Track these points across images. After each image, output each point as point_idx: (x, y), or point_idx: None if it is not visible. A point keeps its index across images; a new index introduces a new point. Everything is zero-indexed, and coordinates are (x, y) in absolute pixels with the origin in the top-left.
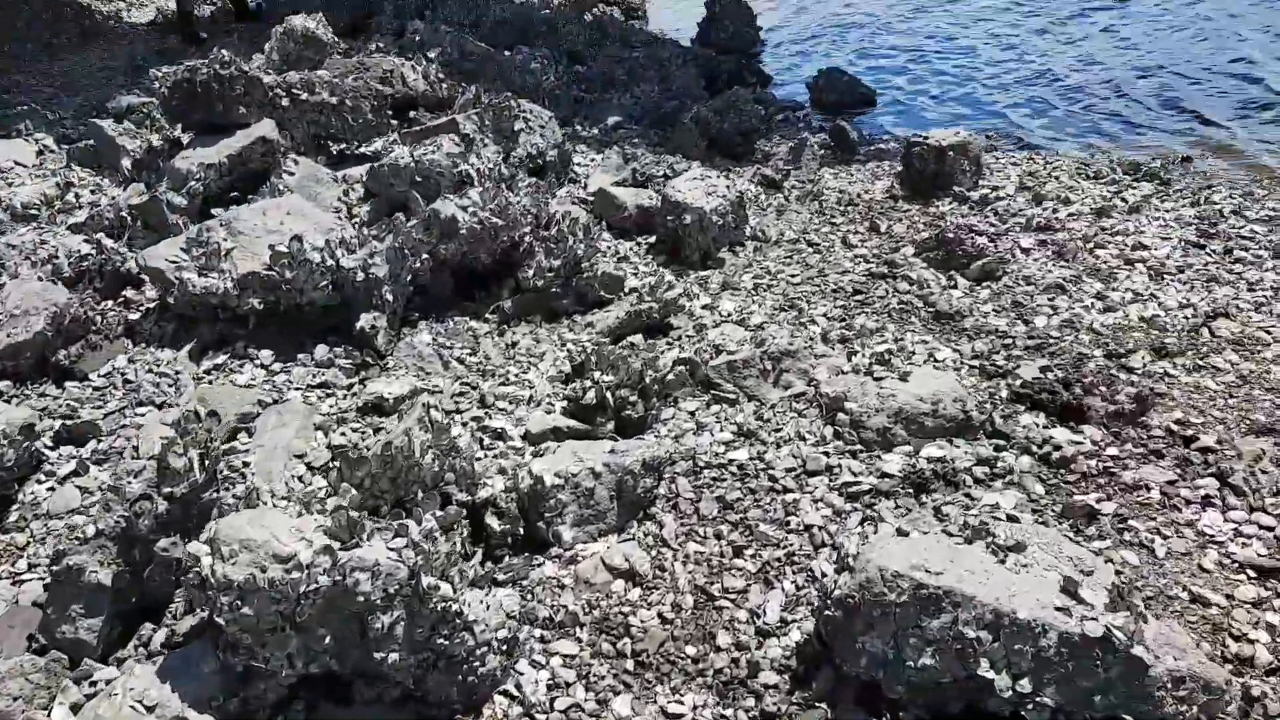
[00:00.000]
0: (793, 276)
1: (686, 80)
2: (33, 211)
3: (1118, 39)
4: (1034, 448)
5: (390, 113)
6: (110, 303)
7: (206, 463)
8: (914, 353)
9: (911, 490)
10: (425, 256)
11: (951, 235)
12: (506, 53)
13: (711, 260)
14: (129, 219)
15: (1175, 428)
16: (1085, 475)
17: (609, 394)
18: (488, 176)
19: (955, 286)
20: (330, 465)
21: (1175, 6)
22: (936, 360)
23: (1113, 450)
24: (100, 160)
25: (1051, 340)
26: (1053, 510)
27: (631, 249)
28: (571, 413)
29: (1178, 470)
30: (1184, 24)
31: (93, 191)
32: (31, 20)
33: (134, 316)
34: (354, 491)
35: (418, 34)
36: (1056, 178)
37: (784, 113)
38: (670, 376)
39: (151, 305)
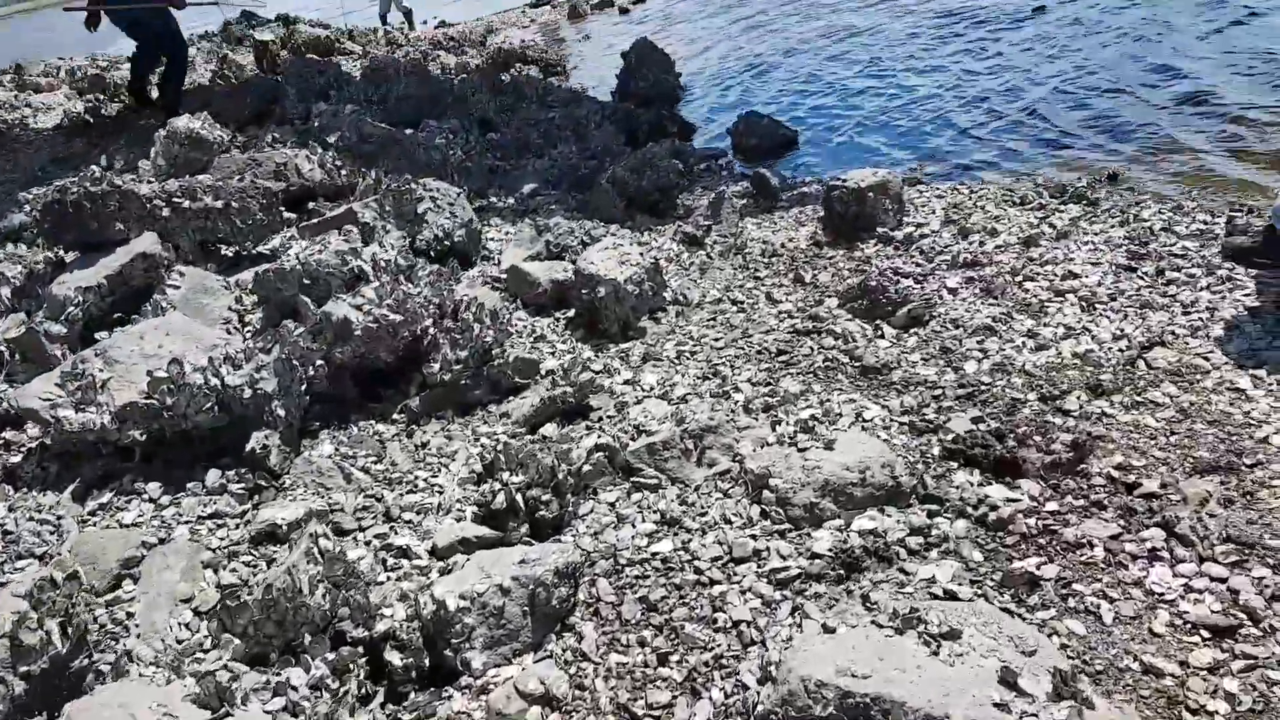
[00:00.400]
0: (716, 340)
1: (605, 138)
2: None
3: (1035, 54)
4: (969, 509)
5: (283, 209)
6: None
7: (70, 630)
8: (841, 414)
9: (843, 570)
10: (320, 363)
11: (874, 283)
12: (409, 130)
13: (632, 330)
14: (6, 353)
15: (1116, 474)
16: (1025, 536)
17: (519, 495)
18: (384, 269)
19: (882, 336)
20: (217, 608)
21: (1087, 16)
22: (865, 420)
23: (1052, 505)
24: None
25: (983, 387)
26: (992, 579)
27: (549, 325)
28: (482, 518)
29: (1121, 522)
30: (1098, 30)
31: None
32: None
33: (15, 459)
34: (237, 641)
35: (318, 118)
36: (982, 207)
37: (707, 161)
38: (587, 467)
39: (33, 445)
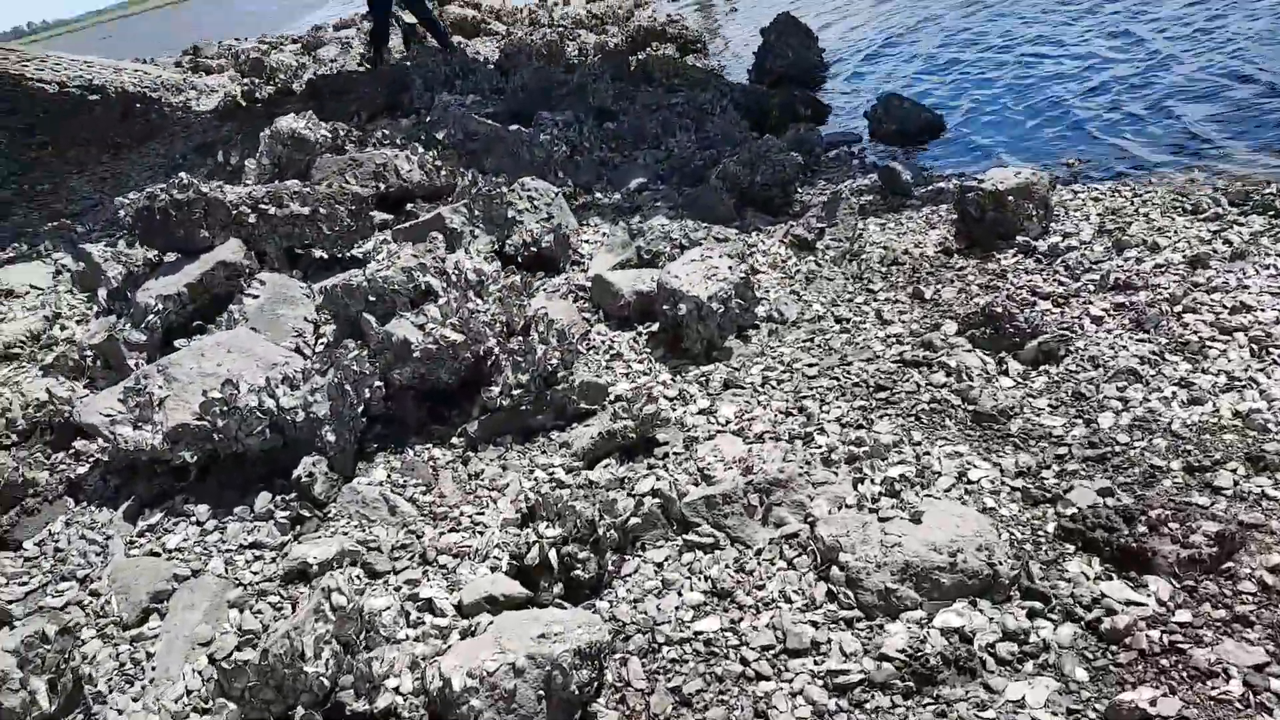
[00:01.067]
0: (809, 367)
1: (725, 125)
2: (15, 350)
3: (1212, 37)
4: (1079, 610)
5: (374, 213)
6: (63, 454)
7: (60, 687)
8: (940, 473)
9: (914, 681)
10: (378, 384)
11: (1000, 309)
12: (515, 127)
13: (717, 351)
14: (91, 360)
15: (1271, 579)
16: (1143, 654)
17: (554, 551)
18: (454, 284)
19: (1005, 373)
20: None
21: None
22: (969, 482)
23: (1184, 615)
24: (94, 286)
25: (1117, 448)
26: (1095, 709)
27: (629, 341)
28: (516, 571)
29: (1271, 647)
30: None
31: (79, 323)
32: (98, 120)
33: (82, 470)
34: (232, 707)
35: (432, 112)
36: (1145, 215)
37: (837, 148)
38: (635, 520)
39: (98, 458)
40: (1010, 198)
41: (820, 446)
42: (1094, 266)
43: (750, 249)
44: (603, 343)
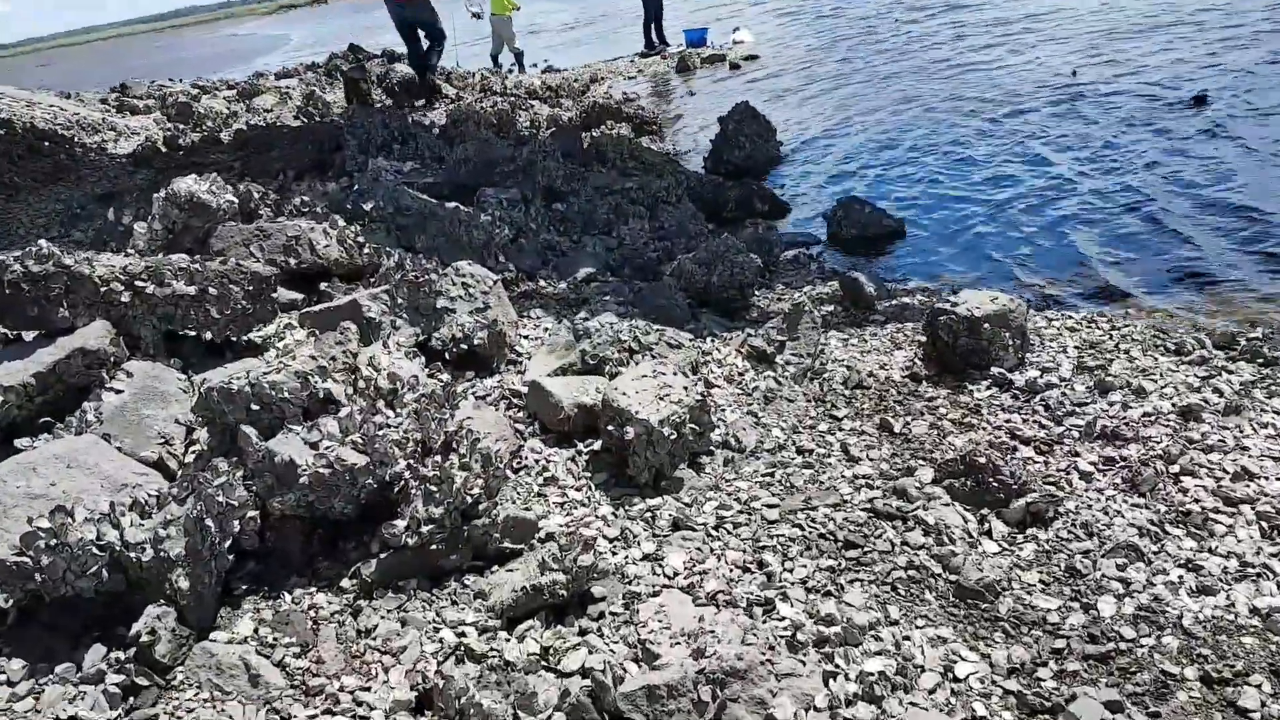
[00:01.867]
0: (769, 508)
1: (681, 216)
2: None
3: (1195, 156)
4: None
5: (280, 292)
6: None
7: None
8: (924, 667)
9: None
10: (252, 515)
11: (982, 460)
12: (452, 204)
13: (666, 481)
14: None
15: None
16: None
17: None
18: (362, 392)
19: (989, 534)
20: None
21: (1255, 112)
22: (956, 679)
23: None
24: None
25: (1122, 644)
26: None
27: (567, 463)
28: None
29: None
30: (1267, 131)
31: None
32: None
33: None
34: None
35: (359, 182)
36: (1126, 351)
37: (796, 249)
38: (560, 716)
39: None
40: (986, 325)
41: (784, 620)
42: (1077, 410)
43: (705, 358)
44: (536, 462)
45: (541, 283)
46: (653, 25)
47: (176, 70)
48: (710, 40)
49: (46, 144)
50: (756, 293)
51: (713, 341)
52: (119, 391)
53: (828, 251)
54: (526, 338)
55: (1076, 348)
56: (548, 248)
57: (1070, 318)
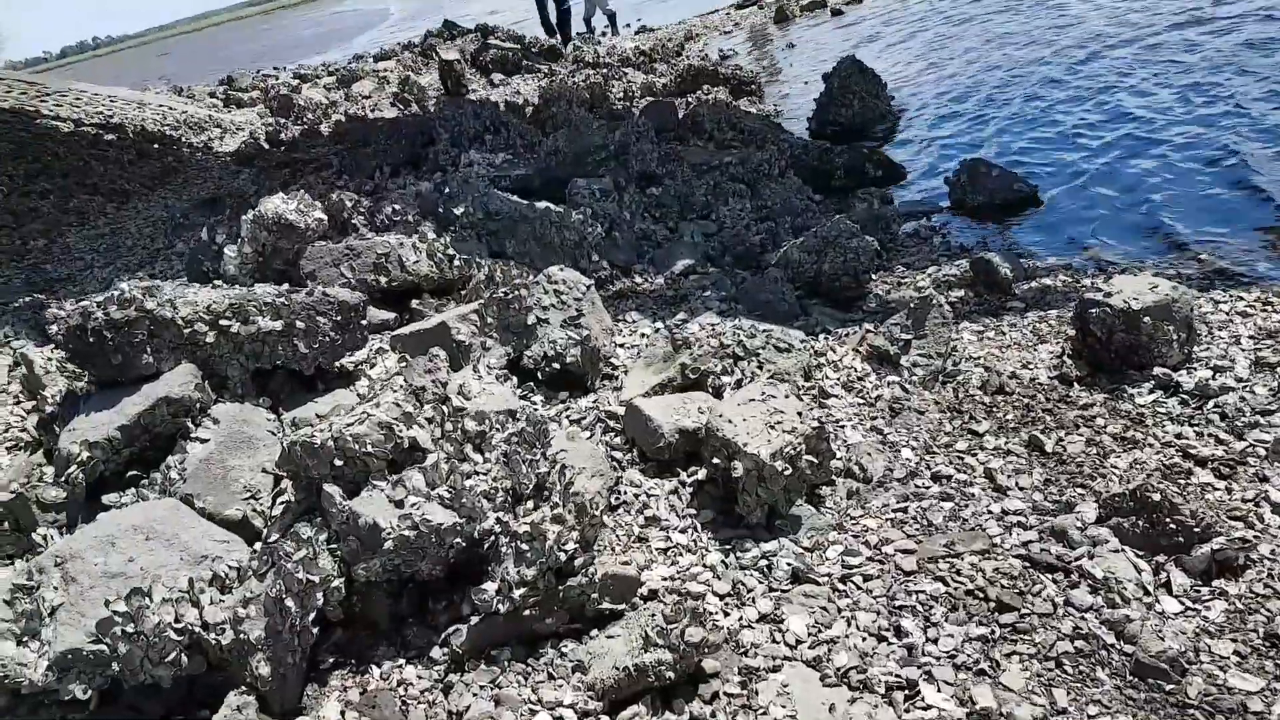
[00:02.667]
0: (904, 554)
1: (785, 193)
2: None
3: None
4: None
5: (371, 313)
6: None
7: None
8: None
9: None
10: (336, 584)
11: (1156, 497)
12: (541, 204)
13: (781, 519)
14: None
15: None
16: None
17: None
18: (448, 436)
19: (1168, 587)
20: None
21: None
22: None
23: None
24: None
25: None
26: None
27: (668, 498)
28: None
29: None
30: None
31: (9, 449)
32: (110, 162)
33: None
34: None
35: (450, 182)
36: None
37: (916, 221)
38: None
39: None
40: (1146, 319)
41: (930, 710)
42: (1262, 419)
43: (818, 360)
44: (636, 497)
45: (637, 279)
46: None
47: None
48: None
49: (155, 146)
50: (873, 277)
51: (826, 340)
52: (204, 441)
53: (952, 222)
54: (623, 346)
55: (1251, 337)
56: (643, 238)
57: (1241, 298)
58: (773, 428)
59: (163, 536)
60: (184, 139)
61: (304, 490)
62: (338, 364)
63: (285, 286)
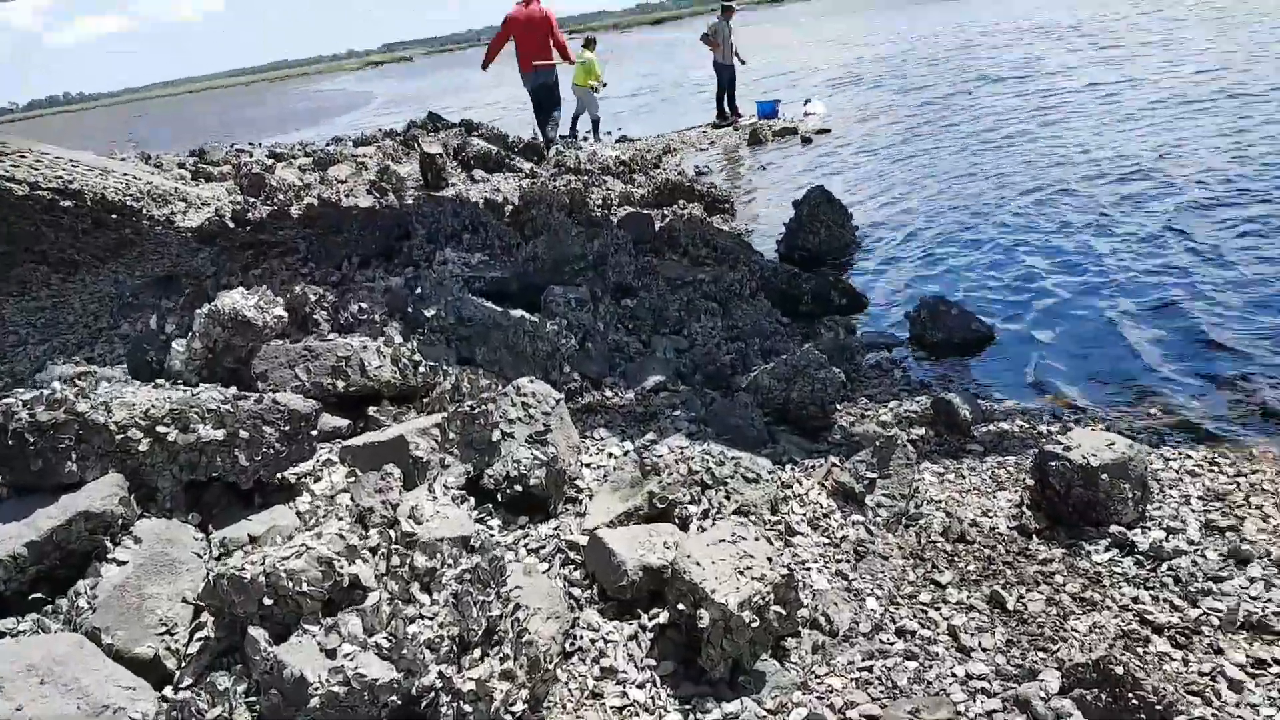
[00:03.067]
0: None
1: (756, 314)
2: None
3: None
4: None
5: (322, 419)
6: None
7: None
8: None
9: None
10: None
11: (1118, 670)
12: (516, 312)
13: (745, 675)
14: None
15: None
16: None
17: None
18: (393, 572)
19: None
20: None
21: None
22: None
23: None
24: None
25: None
26: None
27: (627, 644)
28: None
29: None
30: None
31: None
32: (63, 230)
33: None
34: None
35: (422, 283)
36: (1258, 508)
37: (878, 353)
38: None
39: None
40: (1104, 475)
41: None
42: (1213, 586)
43: (785, 493)
44: (593, 643)
45: (608, 393)
46: (725, 95)
47: (260, 127)
48: (782, 112)
49: (114, 216)
50: (839, 408)
51: (793, 470)
52: (122, 564)
53: (912, 356)
54: (589, 466)
55: (1200, 498)
56: (616, 350)
57: (1189, 457)
58: (742, 573)
59: (60, 680)
60: (145, 210)
61: (226, 628)
62: (279, 476)
63: (233, 390)
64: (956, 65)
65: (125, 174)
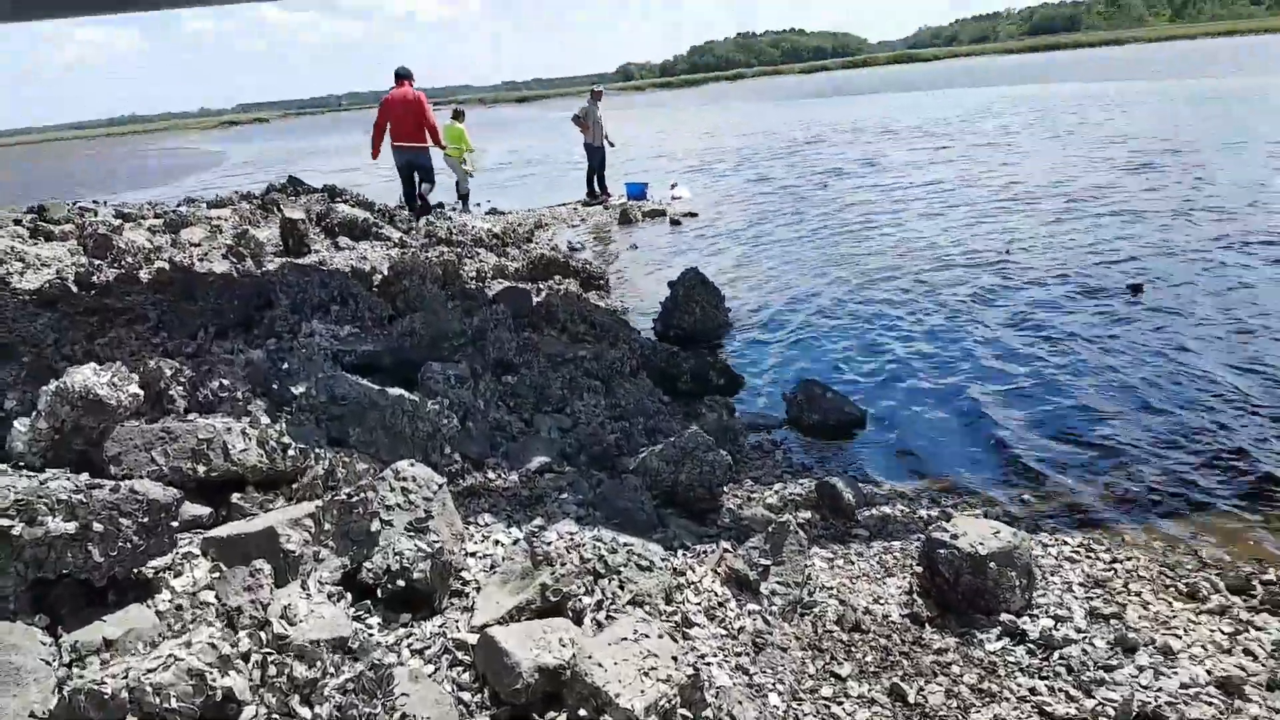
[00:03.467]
0: None
1: (638, 393)
2: None
3: (1151, 348)
4: None
5: (182, 510)
6: None
7: None
8: None
9: None
10: None
11: None
12: (395, 391)
13: None
14: None
15: None
16: None
17: None
18: (271, 684)
19: None
20: None
21: (1188, 306)
22: None
23: None
24: None
25: None
26: None
27: None
28: None
29: None
30: (1204, 326)
31: None
32: None
33: None
34: None
35: (291, 356)
36: (1137, 594)
37: (758, 434)
38: None
39: None
40: (992, 564)
41: None
42: (1106, 677)
43: (679, 579)
44: None
45: (490, 474)
46: (595, 175)
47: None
48: (650, 195)
49: None
50: (725, 488)
51: (684, 556)
52: None
53: (790, 438)
54: (474, 555)
55: (1082, 584)
56: (497, 428)
57: (1066, 543)
58: (646, 674)
59: None
60: None
61: None
62: (135, 571)
63: (84, 478)
64: (809, 158)
65: None
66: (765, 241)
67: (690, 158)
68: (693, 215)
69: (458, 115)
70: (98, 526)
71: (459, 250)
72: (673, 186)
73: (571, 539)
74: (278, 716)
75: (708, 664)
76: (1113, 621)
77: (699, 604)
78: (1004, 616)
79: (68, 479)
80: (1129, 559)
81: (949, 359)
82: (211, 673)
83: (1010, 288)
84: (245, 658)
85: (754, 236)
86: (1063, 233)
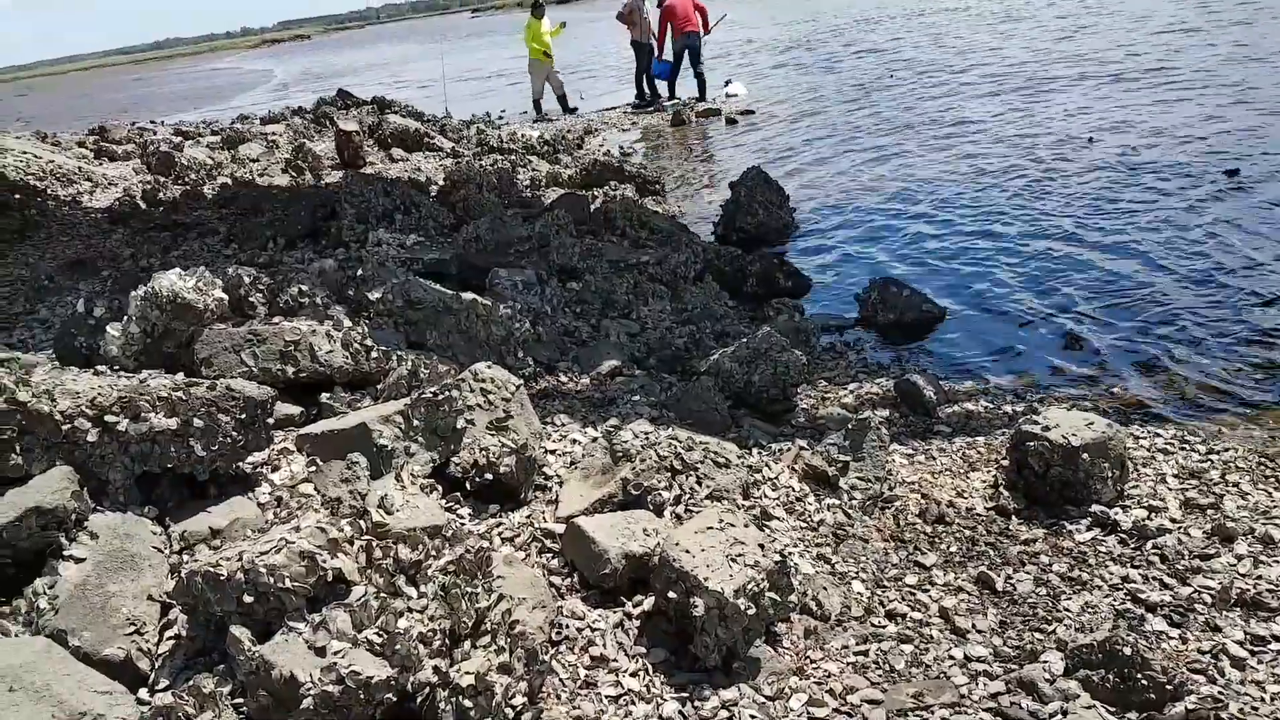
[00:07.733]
0: (871, 705)
1: (705, 297)
2: None
3: (1244, 237)
4: None
5: (270, 420)
6: None
7: None
8: None
9: None
10: None
11: (1128, 650)
12: (467, 295)
13: (739, 662)
14: None
15: None
16: None
17: None
18: (378, 565)
19: None
20: None
21: None
22: None
23: None
24: None
25: None
26: None
27: (615, 631)
28: None
29: None
30: None
31: None
32: None
33: None
34: None
35: (364, 265)
36: (1235, 485)
37: (830, 336)
38: None
39: None
40: (1084, 455)
41: None
42: (1202, 564)
43: (755, 477)
44: (579, 632)
45: (563, 378)
46: (644, 75)
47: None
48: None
49: (16, 197)
50: (800, 389)
51: (760, 455)
52: (80, 561)
53: (864, 337)
54: (553, 452)
55: (1176, 476)
56: (566, 334)
57: (1159, 435)
58: (734, 560)
59: (31, 688)
60: (49, 190)
61: (200, 627)
62: (236, 466)
63: (181, 376)
64: (868, 44)
65: (24, 152)
66: (829, 138)
67: (746, 51)
68: (749, 113)
69: (536, 10)
70: (198, 422)
71: (512, 158)
72: (726, 84)
73: (647, 438)
74: (385, 595)
75: (789, 552)
76: (1209, 512)
77: (777, 498)
78: (1095, 508)
79: (166, 378)
80: (1226, 450)
81: (1030, 252)
82: (322, 554)
83: (1095, 172)
84: (350, 542)
85: (816, 133)
86: (1151, 116)
